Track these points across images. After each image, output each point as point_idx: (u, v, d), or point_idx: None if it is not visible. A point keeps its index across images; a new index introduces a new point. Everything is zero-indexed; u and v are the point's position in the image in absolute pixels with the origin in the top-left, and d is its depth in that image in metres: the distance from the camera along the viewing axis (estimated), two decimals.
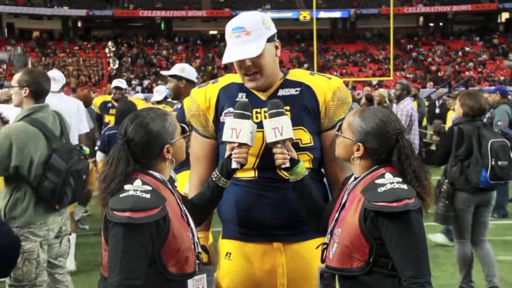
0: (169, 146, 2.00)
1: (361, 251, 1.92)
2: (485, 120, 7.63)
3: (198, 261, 2.02)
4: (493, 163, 4.29)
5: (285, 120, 2.09)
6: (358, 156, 2.02)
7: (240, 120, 2.10)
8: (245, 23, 2.20)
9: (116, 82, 7.82)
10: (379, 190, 1.90)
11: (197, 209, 2.15)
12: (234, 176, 2.21)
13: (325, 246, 2.07)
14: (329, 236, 2.06)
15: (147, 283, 1.85)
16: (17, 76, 3.46)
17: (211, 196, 2.17)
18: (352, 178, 2.10)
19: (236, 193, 2.28)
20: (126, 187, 1.87)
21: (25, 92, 3.40)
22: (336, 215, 2.04)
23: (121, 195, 1.85)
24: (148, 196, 1.84)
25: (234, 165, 2.12)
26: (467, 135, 4.40)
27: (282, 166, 2.11)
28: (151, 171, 1.98)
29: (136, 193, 1.84)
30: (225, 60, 2.23)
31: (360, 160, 2.03)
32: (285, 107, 2.19)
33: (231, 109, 2.25)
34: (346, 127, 2.06)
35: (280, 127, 2.07)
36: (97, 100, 8.22)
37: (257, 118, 2.25)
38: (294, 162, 2.11)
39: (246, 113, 2.12)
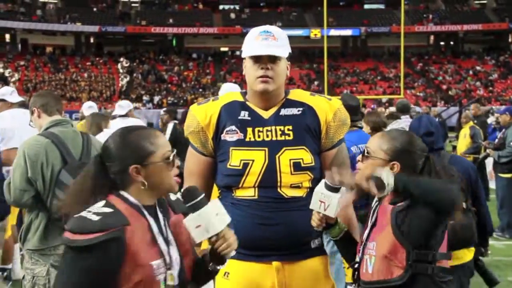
0: (140, 167, 1.75)
1: (399, 258, 2.00)
2: (496, 140, 7.62)
3: None
4: None
5: (334, 201, 2.08)
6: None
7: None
8: (273, 31, 2.28)
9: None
10: None
11: None
12: (233, 195, 2.23)
13: (356, 265, 2.15)
14: (359, 255, 2.14)
15: None
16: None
17: None
18: (376, 199, 2.16)
19: (234, 213, 2.18)
20: (87, 207, 1.71)
21: (33, 113, 3.40)
22: (367, 232, 2.12)
23: (75, 215, 1.69)
24: (96, 218, 1.64)
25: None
26: None
27: (315, 228, 2.18)
28: (124, 194, 1.77)
29: (87, 214, 1.67)
30: (251, 53, 2.23)
31: None
32: (288, 127, 2.23)
33: (233, 127, 2.26)
34: (375, 149, 2.14)
35: (326, 205, 2.09)
36: None
37: (259, 136, 2.24)
38: (328, 226, 2.18)
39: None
